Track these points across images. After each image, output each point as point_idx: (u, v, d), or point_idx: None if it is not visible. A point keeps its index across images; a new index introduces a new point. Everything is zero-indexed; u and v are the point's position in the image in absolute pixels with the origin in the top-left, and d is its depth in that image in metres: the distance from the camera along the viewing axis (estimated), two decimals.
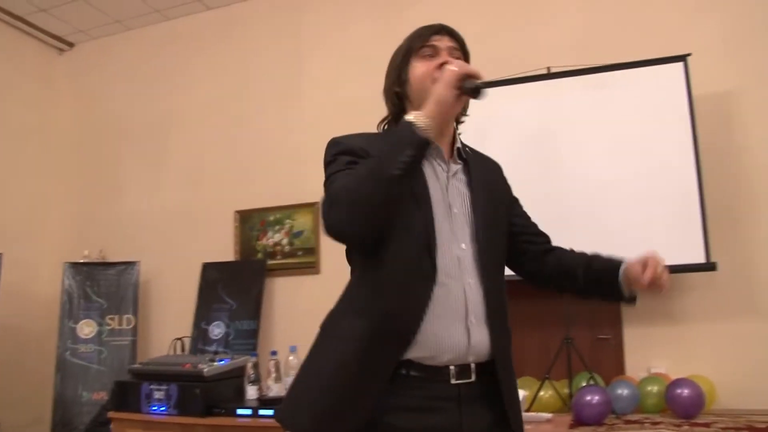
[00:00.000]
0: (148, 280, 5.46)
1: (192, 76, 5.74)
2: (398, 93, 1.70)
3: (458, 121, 1.75)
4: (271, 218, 5.20)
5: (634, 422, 3.80)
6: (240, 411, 3.23)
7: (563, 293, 1.72)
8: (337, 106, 5.15)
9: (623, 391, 4.01)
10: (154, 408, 3.43)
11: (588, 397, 3.79)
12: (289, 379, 3.40)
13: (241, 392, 3.49)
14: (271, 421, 3.01)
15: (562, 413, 4.04)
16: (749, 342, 4.09)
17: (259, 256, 5.17)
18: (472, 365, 1.57)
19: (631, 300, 1.75)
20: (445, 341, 1.53)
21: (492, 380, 1.61)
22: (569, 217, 4.21)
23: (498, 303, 1.66)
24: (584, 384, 4.02)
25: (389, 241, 1.53)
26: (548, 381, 4.12)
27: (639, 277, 1.63)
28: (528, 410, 3.92)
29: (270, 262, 5.12)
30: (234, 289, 5.00)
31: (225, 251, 5.28)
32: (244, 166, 5.40)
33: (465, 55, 1.70)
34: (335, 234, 1.49)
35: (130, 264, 5.27)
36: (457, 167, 1.69)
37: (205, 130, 5.62)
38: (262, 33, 5.56)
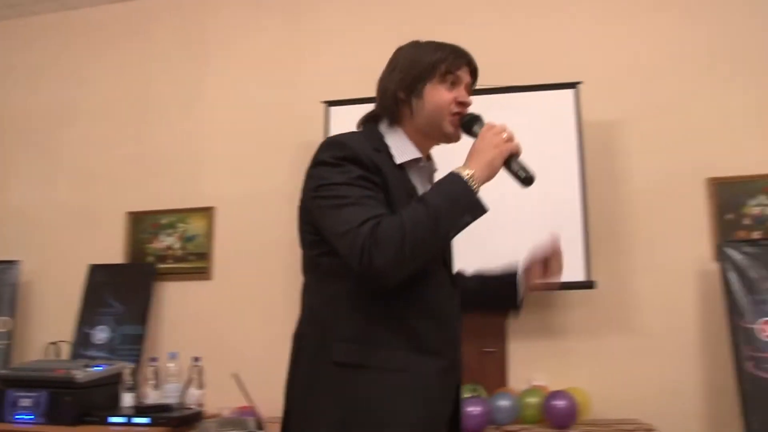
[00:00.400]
0: (31, 280, 5.21)
1: (92, 71, 5.52)
2: (402, 99, 1.66)
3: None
4: (164, 221, 5.07)
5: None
6: (113, 419, 3.10)
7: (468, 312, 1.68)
8: (240, 111, 5.10)
9: (504, 403, 4.13)
10: (19, 417, 3.23)
11: (470, 409, 3.89)
12: (169, 386, 3.32)
13: (116, 400, 3.36)
14: (145, 430, 2.94)
15: None
16: (623, 356, 4.31)
17: (150, 259, 5.02)
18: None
19: (519, 306, 1.82)
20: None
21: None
22: (459, 237, 4.30)
23: None
24: (468, 395, 4.12)
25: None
26: None
27: (544, 256, 1.72)
28: None
29: (161, 266, 4.99)
30: (121, 292, 4.83)
31: (114, 253, 5.11)
32: (139, 167, 5.24)
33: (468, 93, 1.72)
34: (374, 274, 1.42)
35: (10, 263, 5.00)
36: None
37: (101, 126, 5.41)
38: (167, 32, 5.43)
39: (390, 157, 1.62)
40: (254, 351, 4.60)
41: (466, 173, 1.49)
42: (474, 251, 4.29)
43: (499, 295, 1.85)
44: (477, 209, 1.49)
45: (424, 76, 1.62)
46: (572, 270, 4.30)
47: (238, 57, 5.25)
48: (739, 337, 3.96)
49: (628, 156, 4.53)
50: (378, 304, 1.51)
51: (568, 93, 4.36)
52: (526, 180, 1.55)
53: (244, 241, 4.91)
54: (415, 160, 1.67)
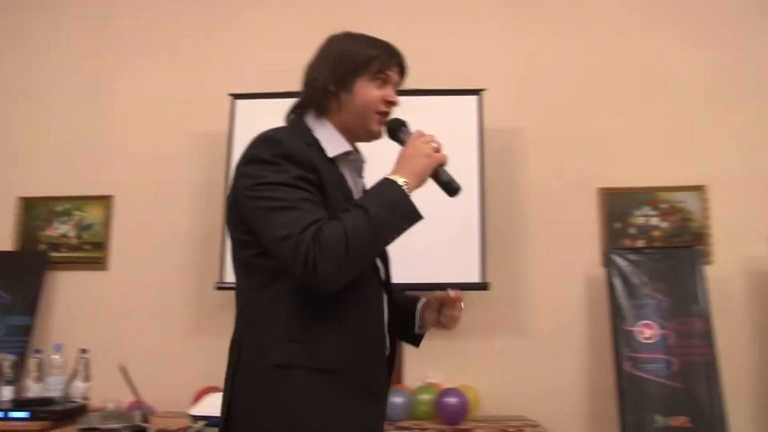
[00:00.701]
0: None
1: None
2: (332, 92, 1.62)
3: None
4: (59, 208, 4.88)
5: (405, 428, 4.01)
6: None
7: None
8: (144, 99, 4.97)
9: (398, 400, 4.21)
10: None
11: None
12: (52, 379, 3.21)
13: None
14: (24, 424, 2.84)
15: None
16: (513, 355, 4.49)
17: (43, 247, 4.83)
18: None
19: (418, 338, 1.81)
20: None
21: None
22: None
23: None
24: None
25: None
26: None
27: (440, 303, 1.72)
28: None
29: (54, 254, 4.80)
30: (9, 281, 4.62)
31: (2, 240, 4.88)
32: (35, 151, 5.02)
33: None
34: (318, 281, 1.40)
35: None
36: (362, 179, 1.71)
37: None
38: (71, 16, 5.21)
39: (321, 150, 1.59)
40: (147, 345, 4.52)
41: (401, 181, 1.50)
42: None
43: (398, 322, 1.77)
44: (413, 217, 1.51)
45: (356, 71, 1.60)
46: (468, 272, 4.46)
47: (144, 43, 5.10)
48: (620, 338, 4.19)
49: (526, 163, 4.71)
50: (316, 304, 1.47)
51: (472, 99, 4.49)
52: (455, 190, 1.58)
53: (143, 232, 4.78)
54: (346, 153, 1.65)
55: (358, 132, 1.66)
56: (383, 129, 1.69)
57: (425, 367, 4.55)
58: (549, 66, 4.82)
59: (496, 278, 4.42)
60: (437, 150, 1.59)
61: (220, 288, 4.41)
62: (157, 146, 4.88)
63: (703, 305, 4.21)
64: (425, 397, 4.28)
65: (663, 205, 4.69)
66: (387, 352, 1.60)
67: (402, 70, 1.71)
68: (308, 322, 1.47)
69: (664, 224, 4.67)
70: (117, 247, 4.81)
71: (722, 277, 4.55)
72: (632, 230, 4.64)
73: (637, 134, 4.74)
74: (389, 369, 1.67)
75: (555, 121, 4.71)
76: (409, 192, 1.50)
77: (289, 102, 4.72)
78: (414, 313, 1.78)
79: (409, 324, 1.77)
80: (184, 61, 5.01)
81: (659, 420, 4.03)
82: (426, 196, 4.55)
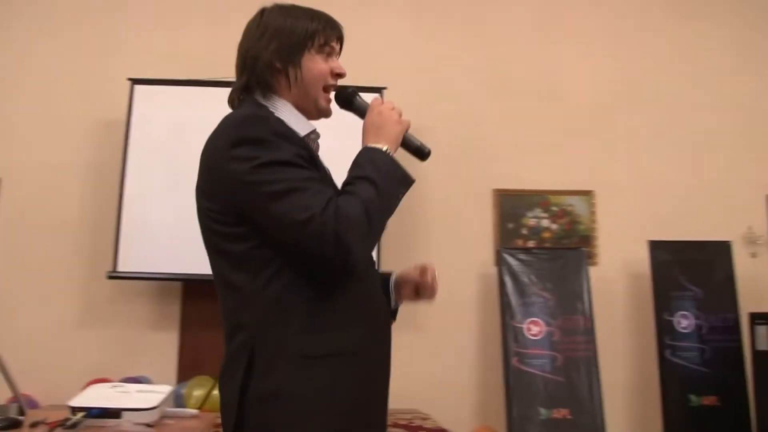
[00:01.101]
0: None
1: None
2: (278, 69, 1.51)
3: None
4: None
5: None
6: None
7: None
8: (39, 79, 4.78)
9: None
10: None
11: None
12: None
13: None
14: None
15: None
16: (406, 351, 4.36)
17: None
18: None
19: (393, 314, 1.70)
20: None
21: None
22: None
23: None
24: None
25: None
26: None
27: (416, 281, 1.65)
28: (201, 408, 3.98)
29: None
30: None
31: None
32: None
33: None
34: (350, 261, 1.33)
35: None
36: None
37: None
38: None
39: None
40: (32, 335, 4.37)
41: (385, 148, 1.43)
42: None
43: None
44: (408, 181, 1.45)
45: (301, 44, 1.50)
46: None
47: (40, 24, 4.88)
48: (509, 335, 4.36)
49: (424, 162, 4.81)
50: (330, 290, 1.40)
51: (373, 96, 4.53)
52: (427, 154, 1.55)
53: (30, 216, 4.59)
54: (309, 133, 1.54)
55: (308, 109, 1.55)
56: (330, 105, 1.60)
57: None
58: (450, 69, 4.95)
59: None
60: (401, 115, 1.51)
61: (112, 277, 4.31)
62: (51, 129, 4.70)
63: (586, 304, 4.44)
64: None
65: (554, 208, 4.90)
66: (389, 329, 1.53)
67: (341, 42, 1.61)
68: (326, 308, 1.40)
69: (554, 226, 4.88)
70: (3, 231, 4.60)
71: (605, 277, 4.82)
72: (524, 231, 4.84)
73: (532, 139, 4.93)
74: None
75: (453, 123, 4.83)
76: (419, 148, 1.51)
77: (192, 90, 4.69)
78: (388, 289, 1.68)
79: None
80: (81, 43, 4.83)
81: (543, 412, 4.23)
82: None
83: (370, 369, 1.44)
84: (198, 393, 4.15)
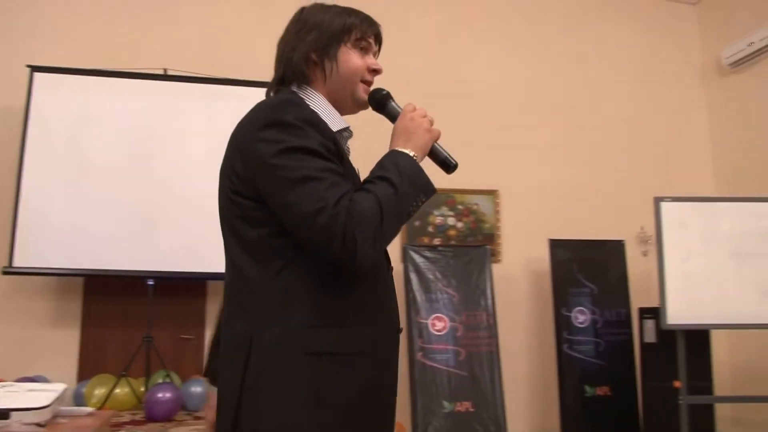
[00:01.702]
0: None
1: None
2: (314, 62, 1.50)
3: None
4: None
5: (203, 418, 3.98)
6: None
7: None
8: None
9: (197, 389, 4.20)
10: None
11: (159, 395, 3.89)
12: None
13: None
14: None
15: (138, 410, 4.10)
16: None
17: None
18: None
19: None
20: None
21: None
22: (159, 218, 4.34)
23: None
24: (160, 381, 4.12)
25: None
26: (125, 379, 4.12)
27: None
28: (101, 408, 3.90)
29: None
30: None
31: None
32: None
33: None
34: (355, 259, 1.28)
35: None
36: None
37: None
38: None
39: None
40: None
41: (412, 154, 1.41)
42: (179, 237, 4.39)
43: None
44: (429, 189, 1.42)
45: (337, 38, 1.49)
46: None
47: None
48: (414, 330, 4.45)
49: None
50: (339, 286, 1.37)
51: None
52: (453, 167, 1.49)
53: None
54: (342, 130, 1.53)
55: (345, 102, 1.54)
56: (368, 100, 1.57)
57: None
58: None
59: None
60: (432, 124, 1.49)
61: (7, 273, 4.17)
62: None
63: (489, 300, 4.58)
64: None
65: (459, 207, 5.04)
66: (397, 332, 1.50)
67: (379, 40, 1.59)
68: (335, 305, 1.37)
69: (460, 224, 5.02)
70: None
71: (507, 274, 4.99)
72: (430, 228, 4.95)
73: (442, 139, 5.04)
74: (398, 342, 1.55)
75: (362, 119, 4.84)
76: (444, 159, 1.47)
77: (97, 80, 4.59)
78: None
79: None
80: None
81: (447, 405, 4.33)
82: (196, 189, 4.52)
83: (374, 374, 1.40)
84: (99, 392, 4.06)
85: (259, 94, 4.87)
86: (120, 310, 4.50)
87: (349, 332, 1.36)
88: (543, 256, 4.82)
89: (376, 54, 1.58)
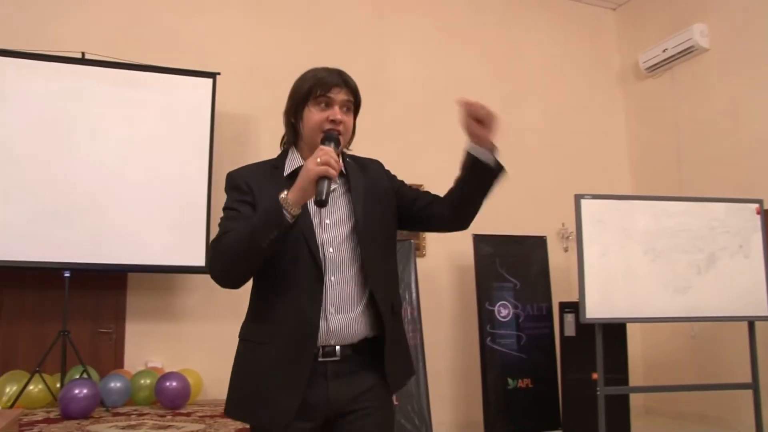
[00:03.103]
0: None
1: None
2: (293, 124, 1.85)
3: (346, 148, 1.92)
4: None
5: (123, 414, 3.88)
6: None
7: (473, 208, 1.95)
8: None
9: (116, 384, 4.07)
10: None
11: (76, 391, 3.75)
12: None
13: None
14: None
15: (53, 407, 3.94)
16: (234, 340, 4.47)
17: None
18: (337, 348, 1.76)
19: (498, 167, 1.89)
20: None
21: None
22: (75, 207, 4.18)
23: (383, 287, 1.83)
24: (77, 377, 3.98)
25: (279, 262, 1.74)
26: (39, 374, 3.94)
27: (476, 121, 1.82)
28: (13, 406, 3.74)
29: None
30: None
31: None
32: None
33: (357, 104, 1.91)
34: (214, 280, 1.74)
35: None
36: (335, 185, 1.82)
37: None
38: None
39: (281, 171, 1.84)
40: None
41: (283, 195, 1.63)
42: (97, 223, 4.24)
43: (477, 176, 1.89)
44: (283, 227, 1.64)
45: (302, 101, 1.81)
46: (193, 255, 4.45)
47: None
48: None
49: (258, 149, 4.82)
50: (260, 294, 1.81)
51: (207, 82, 4.48)
52: (316, 203, 1.64)
53: None
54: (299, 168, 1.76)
55: (315, 148, 1.74)
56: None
57: (147, 351, 4.46)
58: (283, 58, 4.95)
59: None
60: (322, 164, 1.63)
61: None
62: None
63: (413, 294, 4.61)
64: (146, 381, 4.19)
65: None
66: (309, 330, 1.72)
67: (345, 86, 1.87)
68: (256, 306, 1.82)
69: None
70: None
71: (432, 269, 5.04)
72: None
73: (364, 132, 4.98)
74: (377, 344, 1.80)
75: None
76: (290, 205, 1.63)
77: (6, 61, 4.34)
78: (471, 160, 1.88)
79: (481, 171, 1.86)
80: None
81: None
82: (152, 179, 4.48)
83: (273, 357, 1.73)
84: (11, 389, 3.88)
85: (181, 83, 4.82)
86: (34, 303, 4.32)
87: (258, 327, 1.77)
88: (467, 250, 4.89)
89: (346, 101, 1.86)
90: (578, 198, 4.03)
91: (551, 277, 5.02)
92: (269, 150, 4.96)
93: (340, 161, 1.80)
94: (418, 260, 4.81)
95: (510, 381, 4.73)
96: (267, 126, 4.84)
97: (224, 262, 1.71)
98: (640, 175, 5.85)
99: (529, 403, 4.72)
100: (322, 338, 1.72)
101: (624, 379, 4.39)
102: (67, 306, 4.06)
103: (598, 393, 3.86)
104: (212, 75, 4.48)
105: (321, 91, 1.81)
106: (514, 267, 4.92)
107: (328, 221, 1.79)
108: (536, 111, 5.66)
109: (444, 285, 5.15)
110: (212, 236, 4.26)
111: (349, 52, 5.14)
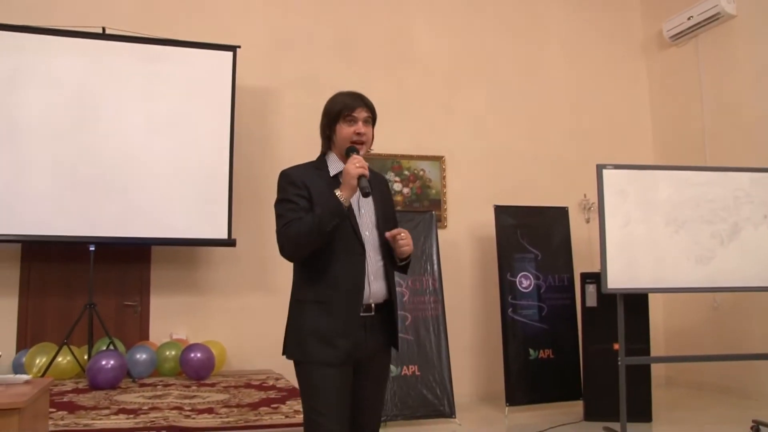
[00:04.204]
0: None
1: None
2: (329, 136, 2.32)
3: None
4: None
5: (149, 385, 3.95)
6: None
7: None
8: None
9: (142, 356, 4.15)
10: None
11: (103, 362, 3.82)
12: None
13: None
14: None
15: (81, 378, 4.02)
16: (258, 311, 4.60)
17: None
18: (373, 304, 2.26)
19: (402, 267, 2.37)
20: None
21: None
22: (99, 181, 4.23)
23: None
24: (104, 349, 4.05)
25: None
26: (67, 346, 4.02)
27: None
28: (44, 376, 3.82)
29: None
30: None
31: None
32: None
33: (374, 117, 2.33)
34: (285, 257, 2.22)
35: None
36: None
37: None
38: None
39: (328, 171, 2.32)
40: None
41: (338, 193, 2.16)
42: (120, 197, 4.28)
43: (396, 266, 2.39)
44: (340, 214, 2.15)
45: (335, 119, 2.28)
46: (216, 228, 4.49)
47: None
48: None
49: (279, 123, 4.82)
50: (313, 263, 2.23)
51: (227, 55, 4.48)
52: (364, 195, 2.16)
53: None
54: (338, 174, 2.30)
55: (344, 154, 2.30)
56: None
57: (171, 323, 4.53)
58: (302, 33, 4.95)
59: (243, 235, 4.50)
60: (360, 167, 2.17)
61: None
62: None
63: (435, 265, 4.62)
64: (171, 353, 4.26)
65: (406, 172, 5.05)
66: (358, 290, 2.21)
67: (365, 106, 2.32)
68: (309, 275, 2.24)
69: (406, 190, 5.04)
70: None
71: (453, 240, 5.04)
72: None
73: (386, 104, 4.97)
74: (388, 307, 2.30)
75: (308, 85, 4.83)
76: (344, 199, 2.15)
77: (29, 37, 4.35)
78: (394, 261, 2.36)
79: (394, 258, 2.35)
80: None
81: (393, 369, 4.37)
82: (175, 153, 4.50)
83: (330, 312, 2.21)
84: (41, 361, 3.97)
85: (201, 56, 4.82)
86: (61, 277, 4.40)
87: (314, 289, 2.23)
88: (488, 222, 4.88)
89: (368, 117, 2.31)
90: (600, 168, 4.00)
91: (573, 248, 5.00)
92: (290, 122, 4.99)
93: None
94: (440, 232, 4.81)
95: (531, 351, 4.74)
96: (287, 99, 4.86)
97: (298, 244, 2.20)
98: (663, 146, 5.78)
99: (551, 374, 4.73)
100: (366, 298, 2.22)
101: (645, 350, 4.38)
102: (93, 279, 4.13)
103: (620, 363, 3.85)
104: (232, 48, 4.48)
105: (348, 112, 2.29)
106: (535, 238, 4.91)
107: (363, 211, 2.29)
108: (558, 81, 5.60)
109: (465, 256, 5.15)
110: (234, 209, 4.37)
111: (370, 24, 5.12)
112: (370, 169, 2.34)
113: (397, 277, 4.42)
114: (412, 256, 2.35)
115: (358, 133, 2.32)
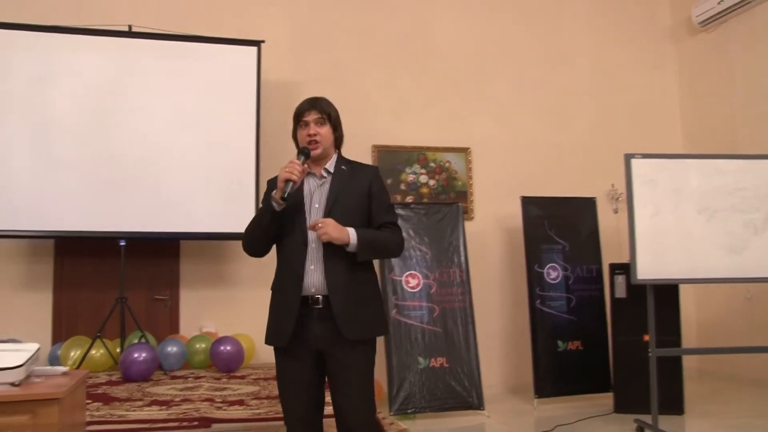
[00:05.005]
0: None
1: None
2: (296, 142, 2.48)
3: (338, 147, 2.52)
4: None
5: (180, 377, 4.00)
6: None
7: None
8: None
9: (172, 349, 4.20)
10: None
11: (135, 355, 3.88)
12: None
13: None
14: None
15: (114, 370, 4.09)
16: None
17: None
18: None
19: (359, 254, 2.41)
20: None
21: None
22: (128, 178, 4.29)
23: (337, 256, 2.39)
24: (135, 342, 4.11)
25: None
26: (100, 340, 4.09)
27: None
28: (78, 368, 3.89)
29: None
30: None
31: None
32: None
33: (329, 117, 2.43)
34: (248, 254, 2.48)
35: None
36: (324, 180, 2.47)
37: None
38: None
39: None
40: None
41: (272, 193, 2.32)
42: (148, 192, 4.34)
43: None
44: (271, 210, 2.30)
45: (294, 126, 2.46)
46: (242, 222, 4.48)
47: None
48: (388, 287, 4.46)
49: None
50: (277, 256, 2.46)
51: (252, 50, 4.50)
52: (282, 199, 2.27)
53: None
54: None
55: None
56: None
57: (201, 316, 4.58)
58: (328, 26, 4.96)
59: None
60: (288, 171, 2.29)
61: None
62: None
63: (462, 257, 4.61)
64: (201, 345, 4.31)
65: (432, 164, 5.04)
66: (302, 277, 2.34)
67: (314, 108, 2.43)
68: (276, 265, 2.45)
69: (432, 182, 5.03)
70: None
71: (480, 231, 5.02)
72: (403, 186, 4.95)
73: (411, 97, 5.04)
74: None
75: (333, 78, 4.85)
76: (273, 198, 2.29)
77: (57, 37, 4.42)
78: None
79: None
80: None
81: (422, 361, 4.38)
82: (202, 148, 4.53)
83: (279, 299, 2.43)
84: (75, 353, 4.05)
85: (226, 52, 4.86)
86: (92, 272, 4.47)
87: (275, 281, 2.45)
88: (515, 213, 4.85)
89: (318, 118, 2.41)
90: (628, 158, 3.95)
91: (601, 238, 4.96)
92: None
93: (333, 163, 2.50)
94: (467, 223, 4.79)
95: (560, 343, 4.71)
96: (312, 92, 4.78)
97: (247, 238, 2.46)
98: (692, 134, 5.69)
99: (580, 366, 4.70)
100: (306, 287, 2.34)
101: (676, 341, 4.32)
102: (124, 274, 4.19)
103: (650, 355, 3.81)
104: (257, 43, 4.50)
105: (300, 117, 2.45)
106: (563, 229, 4.87)
107: (317, 206, 2.41)
108: (584, 69, 5.54)
109: (492, 248, 5.13)
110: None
111: (392, 16, 5.10)
112: (351, 164, 2.54)
113: (424, 268, 4.55)
114: (377, 246, 2.41)
115: (309, 134, 2.45)
